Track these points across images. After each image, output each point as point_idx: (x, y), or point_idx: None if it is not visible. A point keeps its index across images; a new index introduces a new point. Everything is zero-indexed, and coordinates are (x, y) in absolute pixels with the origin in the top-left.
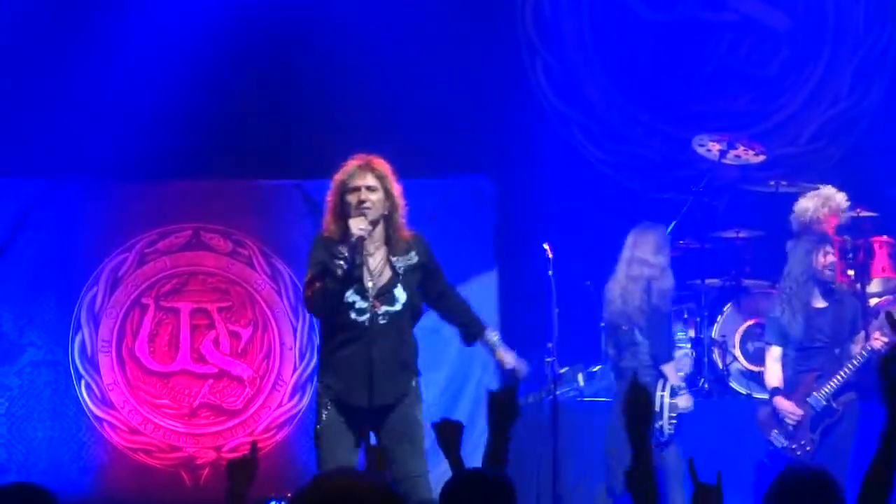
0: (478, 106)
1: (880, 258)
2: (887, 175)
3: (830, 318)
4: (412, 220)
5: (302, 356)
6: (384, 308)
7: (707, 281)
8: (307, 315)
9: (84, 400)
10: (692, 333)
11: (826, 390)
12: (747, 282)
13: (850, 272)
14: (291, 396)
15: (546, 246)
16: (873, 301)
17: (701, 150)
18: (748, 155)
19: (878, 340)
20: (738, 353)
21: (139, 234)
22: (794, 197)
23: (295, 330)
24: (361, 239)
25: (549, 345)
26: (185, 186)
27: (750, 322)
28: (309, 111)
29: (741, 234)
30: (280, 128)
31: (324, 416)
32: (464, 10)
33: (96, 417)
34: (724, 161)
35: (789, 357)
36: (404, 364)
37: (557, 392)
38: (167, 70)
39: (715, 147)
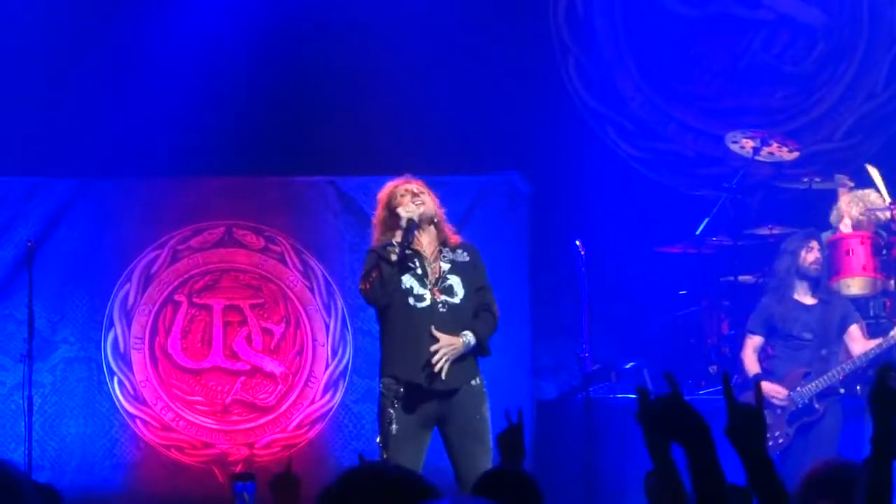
0: (511, 104)
1: None
2: None
3: (818, 316)
4: (447, 215)
5: (334, 353)
6: (443, 297)
7: (740, 278)
8: (339, 312)
9: (116, 397)
10: (725, 330)
11: (811, 388)
12: None
13: (883, 267)
14: (324, 393)
15: (578, 243)
16: None
17: (734, 147)
18: (782, 152)
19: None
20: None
21: (172, 231)
22: (828, 193)
23: (327, 326)
24: (411, 220)
25: (582, 342)
26: (217, 183)
27: None
28: (342, 108)
29: (774, 231)
30: (313, 124)
31: (393, 416)
32: (496, 9)
33: (129, 414)
34: (757, 158)
35: (776, 347)
36: (466, 357)
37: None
38: (199, 67)
39: (748, 144)
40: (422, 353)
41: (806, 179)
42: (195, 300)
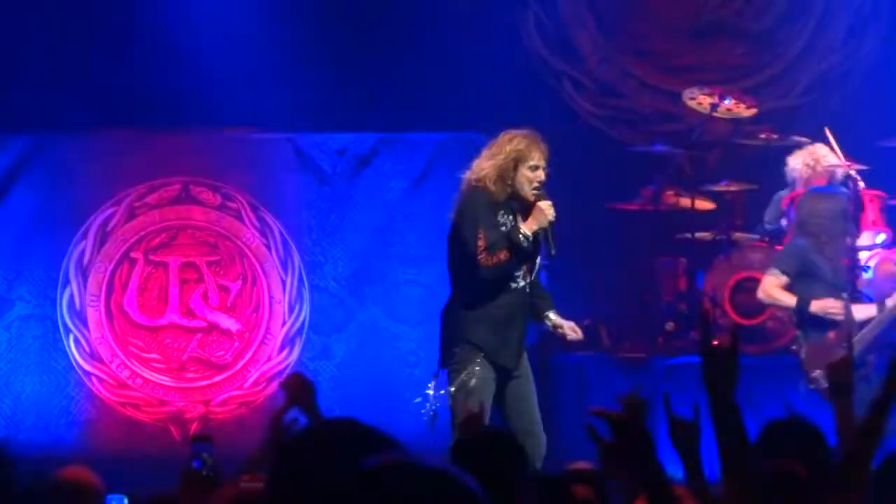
0: (470, 59)
1: (870, 211)
2: (879, 128)
3: (839, 269)
4: (404, 173)
5: (291, 309)
6: (529, 278)
7: (697, 234)
8: (296, 269)
9: (72, 354)
10: (682, 287)
11: (864, 338)
12: (738, 235)
13: None
14: (280, 350)
15: None
16: (863, 254)
17: (692, 104)
18: (739, 108)
19: None
20: (727, 306)
21: (128, 187)
22: (786, 150)
23: (284, 283)
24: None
25: None
26: (174, 139)
27: (740, 276)
28: (299, 64)
29: (732, 188)
30: (271, 80)
31: (476, 370)
32: None
33: (84, 371)
34: (714, 115)
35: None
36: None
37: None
38: (155, 20)
39: (706, 100)
40: (509, 334)
41: (763, 136)
42: (151, 257)
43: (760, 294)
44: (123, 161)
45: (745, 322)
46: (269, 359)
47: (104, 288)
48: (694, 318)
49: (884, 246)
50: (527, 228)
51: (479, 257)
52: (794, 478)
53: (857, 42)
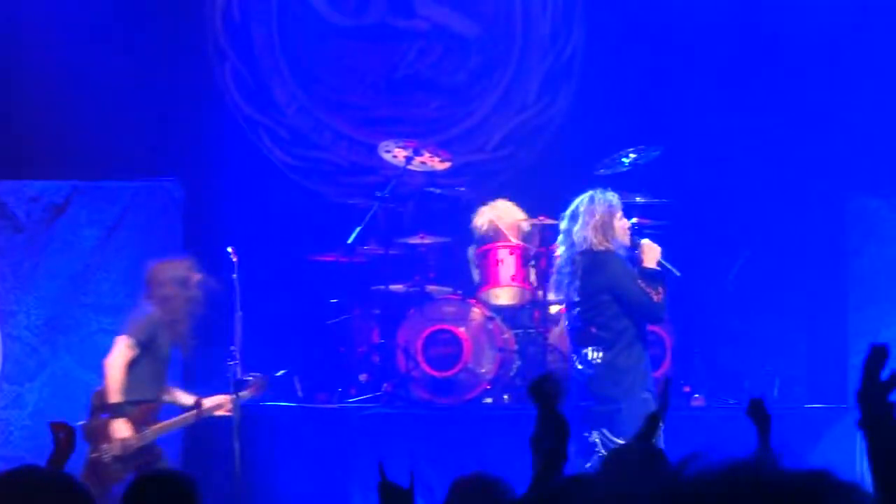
0: (167, 109)
1: None
2: (571, 183)
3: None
4: (99, 221)
5: None
6: None
7: (391, 286)
8: None
9: None
10: (376, 339)
11: (165, 429)
12: (431, 288)
13: (532, 278)
14: None
15: (230, 249)
16: (553, 308)
17: (387, 157)
18: (434, 162)
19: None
20: (420, 358)
21: None
22: (479, 204)
23: None
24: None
25: (233, 348)
26: None
27: (433, 328)
28: None
29: (426, 241)
30: None
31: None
32: (153, 11)
33: None
34: (409, 167)
35: (145, 367)
36: None
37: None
38: None
39: (401, 153)
40: None
41: (458, 189)
42: None
43: (107, 362)
44: None
45: (438, 374)
46: None
47: None
48: (387, 369)
49: None
50: (651, 265)
51: (657, 300)
52: None
53: (551, 98)
